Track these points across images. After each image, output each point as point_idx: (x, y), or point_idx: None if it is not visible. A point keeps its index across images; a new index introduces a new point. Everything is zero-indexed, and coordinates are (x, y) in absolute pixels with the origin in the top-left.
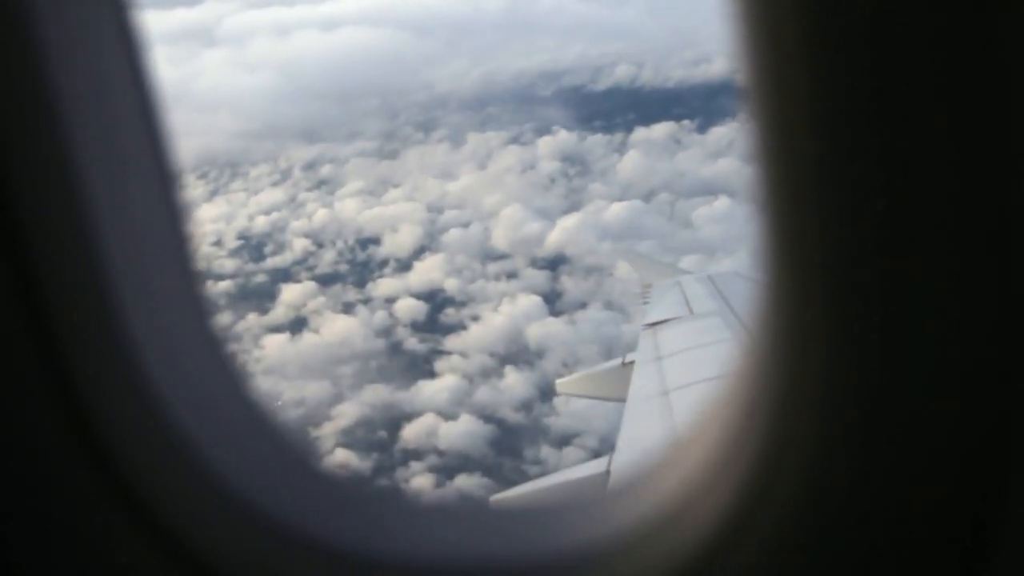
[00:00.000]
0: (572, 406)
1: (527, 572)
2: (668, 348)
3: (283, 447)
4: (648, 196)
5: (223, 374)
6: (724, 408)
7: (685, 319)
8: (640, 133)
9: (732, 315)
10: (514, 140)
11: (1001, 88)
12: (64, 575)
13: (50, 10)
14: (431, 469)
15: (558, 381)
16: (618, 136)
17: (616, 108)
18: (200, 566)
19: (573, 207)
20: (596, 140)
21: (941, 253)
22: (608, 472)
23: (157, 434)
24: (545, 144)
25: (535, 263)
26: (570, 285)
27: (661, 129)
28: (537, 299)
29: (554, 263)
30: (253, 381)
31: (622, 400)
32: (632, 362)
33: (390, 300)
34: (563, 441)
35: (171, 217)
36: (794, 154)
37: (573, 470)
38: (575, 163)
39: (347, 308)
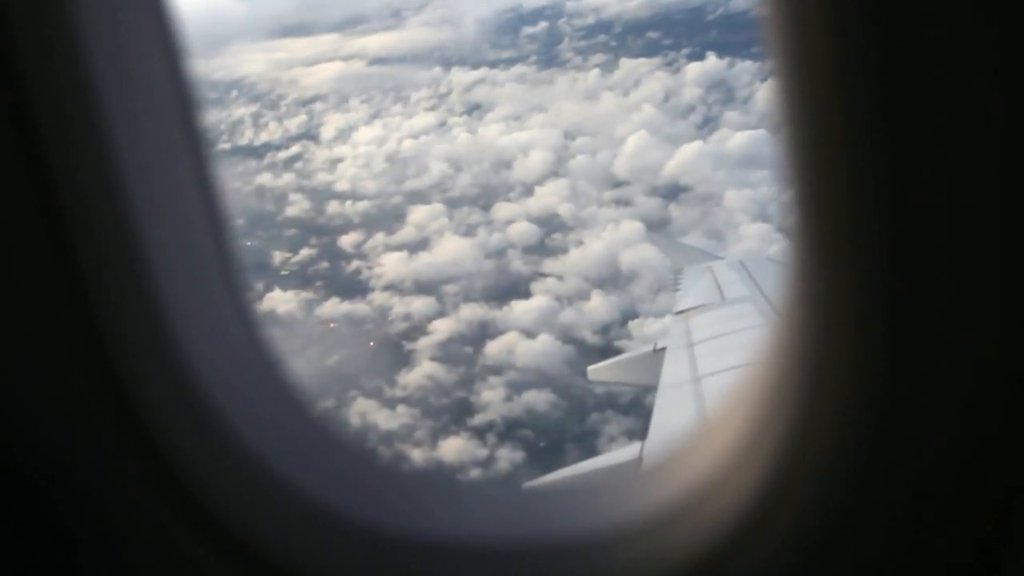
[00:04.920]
0: (647, 331)
1: (552, 553)
2: (700, 334)
3: (320, 430)
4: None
5: (260, 358)
6: (750, 395)
7: (717, 305)
8: None
9: (764, 301)
10: (665, 66)
11: None
12: (104, 554)
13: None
14: (508, 385)
15: (590, 368)
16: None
17: None
18: (240, 546)
19: (702, 136)
20: (745, 67)
21: (972, 250)
22: (641, 459)
23: (197, 419)
24: (692, 70)
25: (650, 191)
26: (678, 213)
27: None
28: (640, 225)
29: (669, 191)
30: (289, 365)
31: (654, 387)
32: (664, 348)
33: (508, 223)
34: None
35: (211, 208)
36: (826, 146)
37: (606, 457)
38: (719, 90)
39: (469, 230)
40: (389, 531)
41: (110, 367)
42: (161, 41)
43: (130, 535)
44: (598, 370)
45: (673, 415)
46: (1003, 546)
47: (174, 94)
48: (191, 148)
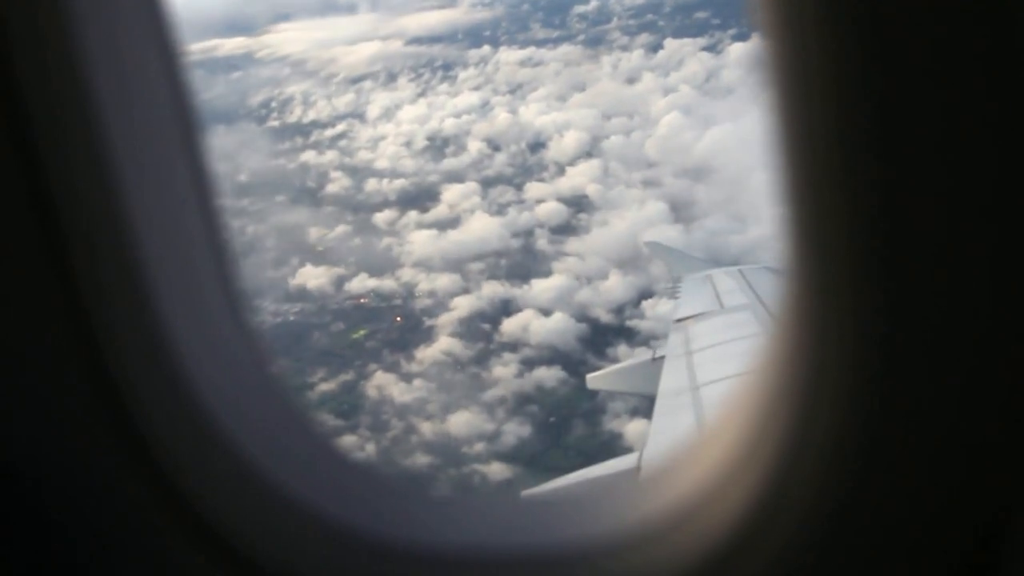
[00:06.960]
0: (659, 311)
1: (549, 563)
2: (699, 343)
3: (316, 438)
4: None
5: (256, 365)
6: (748, 402)
7: (716, 313)
8: None
9: (763, 309)
10: (709, 47)
11: None
12: (99, 559)
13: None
14: (521, 361)
15: (589, 376)
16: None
17: None
18: (236, 554)
19: (735, 118)
20: None
21: (968, 253)
22: (639, 468)
23: (193, 426)
24: (735, 51)
25: (680, 172)
26: (703, 195)
27: None
28: (663, 206)
29: (698, 172)
30: (280, 368)
31: (653, 395)
32: (662, 357)
33: (538, 202)
34: (643, 342)
35: (207, 210)
36: (818, 150)
37: (603, 466)
38: (760, 72)
39: (500, 209)
40: (385, 540)
41: (106, 373)
42: (157, 40)
43: (125, 542)
44: (597, 378)
45: (672, 423)
46: (1003, 546)
47: (170, 94)
48: (187, 149)
